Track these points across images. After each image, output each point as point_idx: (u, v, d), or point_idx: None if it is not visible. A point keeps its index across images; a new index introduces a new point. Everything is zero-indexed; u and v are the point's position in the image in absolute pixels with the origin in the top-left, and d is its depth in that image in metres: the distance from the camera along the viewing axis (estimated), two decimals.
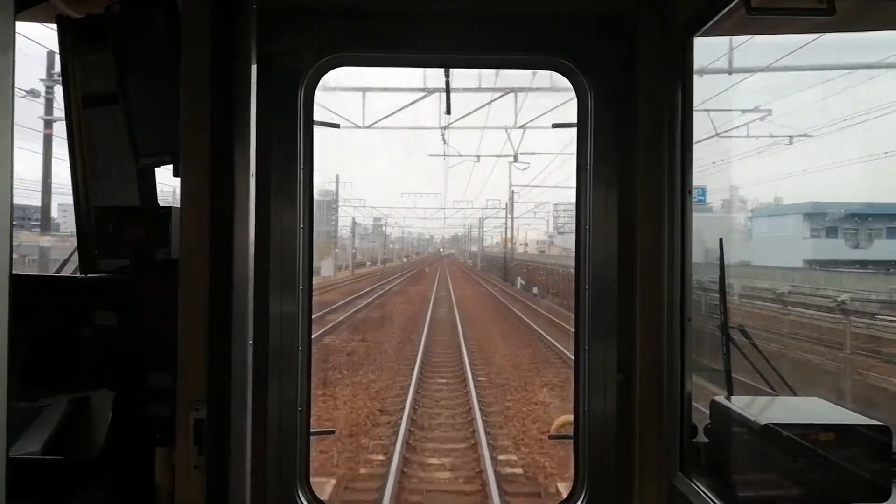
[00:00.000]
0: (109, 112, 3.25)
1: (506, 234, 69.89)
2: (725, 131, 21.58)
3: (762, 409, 2.87)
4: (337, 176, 59.70)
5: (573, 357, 3.38)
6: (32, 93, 21.22)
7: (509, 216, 67.19)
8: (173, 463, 2.76)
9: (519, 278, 51.94)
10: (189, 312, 2.71)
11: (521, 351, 20.85)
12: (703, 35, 2.88)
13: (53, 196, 23.31)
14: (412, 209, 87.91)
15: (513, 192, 64.58)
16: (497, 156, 38.67)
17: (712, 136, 20.20)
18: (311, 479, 3.34)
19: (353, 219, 74.48)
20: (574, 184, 3.38)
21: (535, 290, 43.16)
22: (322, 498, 3.35)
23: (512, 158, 31.20)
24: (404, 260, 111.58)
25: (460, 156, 40.54)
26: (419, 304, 35.74)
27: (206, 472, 2.69)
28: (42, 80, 21.72)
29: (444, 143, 33.09)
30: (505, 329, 26.01)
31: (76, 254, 3.41)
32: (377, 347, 21.12)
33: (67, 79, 3.35)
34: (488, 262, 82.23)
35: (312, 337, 3.42)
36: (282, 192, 3.20)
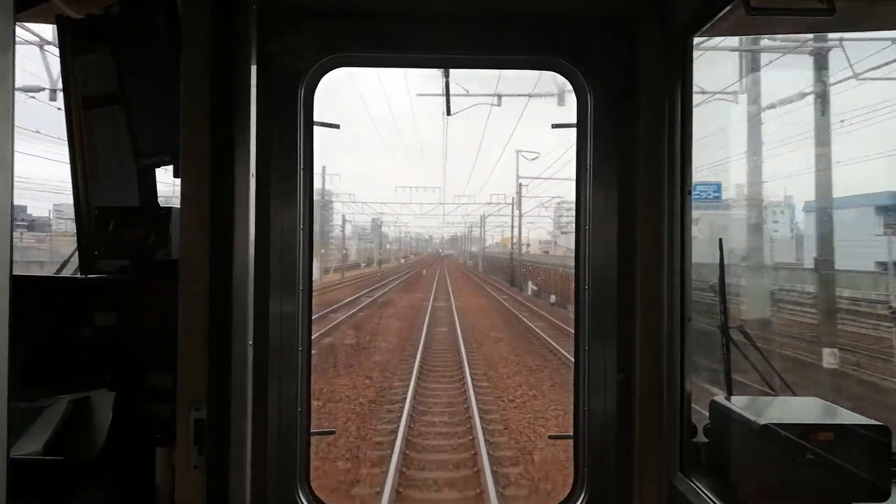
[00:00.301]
0: (109, 112, 3.25)
1: (512, 231, 62.71)
2: (865, 71, 15.54)
3: (762, 409, 2.87)
4: (323, 168, 57.71)
5: (573, 357, 3.38)
6: None
7: (516, 212, 60.57)
8: (173, 463, 2.77)
9: (529, 283, 45.74)
10: (189, 312, 2.72)
11: (560, 407, 13.50)
12: (702, 35, 2.89)
13: None
14: (408, 205, 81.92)
15: (520, 184, 58.82)
16: (529, 94, 25.14)
17: (849, 79, 15.57)
18: None
19: (343, 216, 71.34)
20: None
21: (552, 297, 35.83)
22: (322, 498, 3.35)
23: (556, 99, 22.31)
24: (402, 261, 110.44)
25: (468, 94, 24.45)
26: (412, 318, 28.72)
27: (206, 472, 2.69)
28: None
29: (444, 76, 26.31)
30: (531, 365, 18.32)
31: (76, 254, 3.42)
32: (331, 416, 12.67)
33: (67, 79, 3.35)
34: (490, 263, 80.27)
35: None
36: (282, 192, 3.21)
